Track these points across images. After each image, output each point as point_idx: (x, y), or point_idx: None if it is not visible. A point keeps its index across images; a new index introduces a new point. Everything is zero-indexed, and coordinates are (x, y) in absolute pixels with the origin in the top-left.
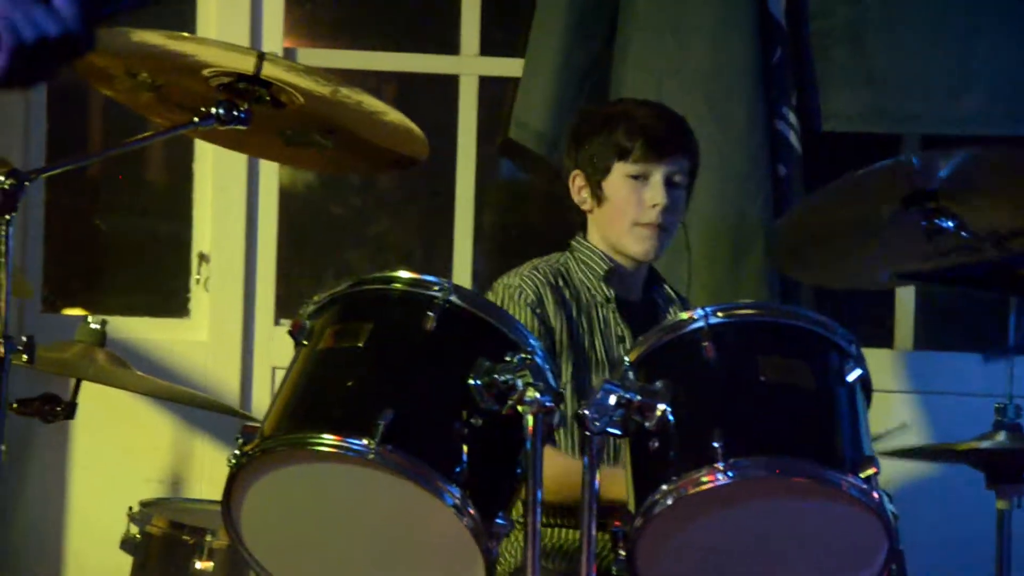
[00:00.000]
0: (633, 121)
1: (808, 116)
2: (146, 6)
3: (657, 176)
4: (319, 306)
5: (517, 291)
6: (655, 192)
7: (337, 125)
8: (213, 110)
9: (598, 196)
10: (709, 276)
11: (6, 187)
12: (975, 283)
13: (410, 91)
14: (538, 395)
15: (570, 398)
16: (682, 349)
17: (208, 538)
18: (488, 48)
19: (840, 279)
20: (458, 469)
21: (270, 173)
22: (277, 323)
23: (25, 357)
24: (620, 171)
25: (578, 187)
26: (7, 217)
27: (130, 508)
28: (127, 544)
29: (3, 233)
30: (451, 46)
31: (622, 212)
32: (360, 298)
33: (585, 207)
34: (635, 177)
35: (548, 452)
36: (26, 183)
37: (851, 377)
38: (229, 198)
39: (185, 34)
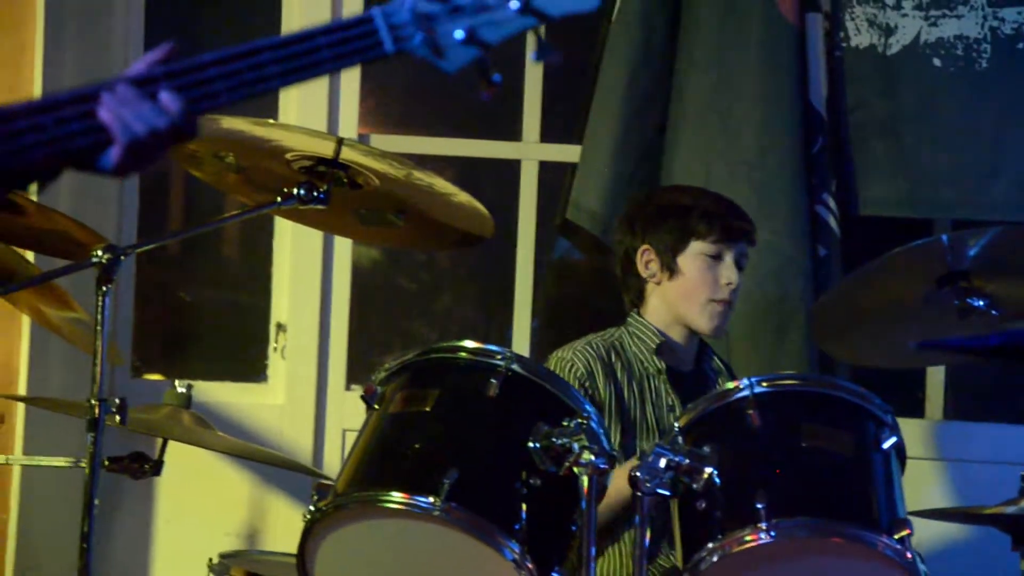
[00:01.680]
0: (710, 206)
1: (846, 201)
2: (240, 101)
3: (729, 257)
4: (390, 372)
5: (568, 364)
6: (729, 271)
7: (409, 205)
8: (295, 191)
9: (671, 270)
10: (753, 353)
11: (104, 261)
12: (996, 354)
13: (474, 175)
14: (593, 457)
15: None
16: (729, 416)
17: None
18: (548, 135)
19: (877, 357)
20: (517, 526)
21: (344, 249)
22: (348, 388)
23: (118, 418)
24: (697, 249)
25: (646, 260)
26: (103, 289)
27: (210, 560)
28: None
29: (100, 304)
30: (514, 133)
31: (697, 288)
32: (428, 366)
33: (654, 280)
34: (713, 257)
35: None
36: (121, 257)
37: (887, 444)
38: (306, 271)
39: (270, 120)
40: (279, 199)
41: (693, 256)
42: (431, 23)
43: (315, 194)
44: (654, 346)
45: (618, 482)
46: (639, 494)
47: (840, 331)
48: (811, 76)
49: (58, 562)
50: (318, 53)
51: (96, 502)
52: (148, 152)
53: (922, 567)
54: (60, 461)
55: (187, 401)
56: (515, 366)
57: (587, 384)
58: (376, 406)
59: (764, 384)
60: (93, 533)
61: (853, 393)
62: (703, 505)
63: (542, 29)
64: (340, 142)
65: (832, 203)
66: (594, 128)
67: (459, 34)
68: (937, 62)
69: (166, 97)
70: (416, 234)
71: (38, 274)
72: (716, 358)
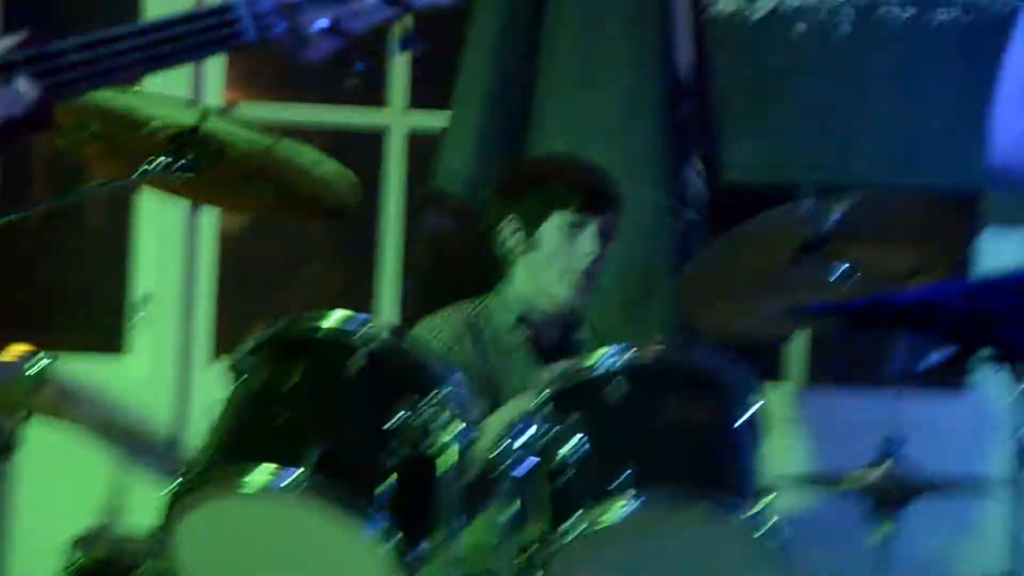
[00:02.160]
0: (574, 175)
1: (713, 167)
2: (100, 87)
3: (592, 227)
4: (256, 345)
5: (436, 331)
6: (588, 242)
7: (276, 175)
8: (159, 159)
9: (532, 240)
10: (619, 318)
11: None
12: (860, 318)
13: (344, 141)
14: (458, 428)
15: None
16: (592, 387)
17: (142, 566)
18: (417, 102)
19: (743, 326)
20: (383, 499)
21: (209, 219)
22: (214, 361)
23: None
24: (558, 219)
25: (509, 232)
26: None
27: (71, 540)
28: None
29: None
30: (381, 100)
31: (556, 257)
32: (293, 338)
33: (514, 251)
34: (574, 226)
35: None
36: None
37: (747, 413)
38: (169, 241)
39: (134, 88)
40: (146, 168)
41: (555, 227)
42: (295, 12)
43: (182, 163)
44: (516, 315)
45: (483, 468)
46: (506, 464)
47: (709, 299)
48: (677, 42)
49: None
50: (180, 41)
51: None
52: (4, 137)
53: (782, 533)
54: None
55: (45, 376)
56: (382, 335)
57: (455, 349)
58: (239, 380)
59: (627, 354)
60: None
61: (714, 363)
62: (568, 475)
63: (408, 19)
64: (205, 112)
65: (700, 166)
66: (462, 95)
67: (323, 24)
68: (801, 26)
69: (23, 84)
70: (281, 203)
71: None
72: (584, 328)
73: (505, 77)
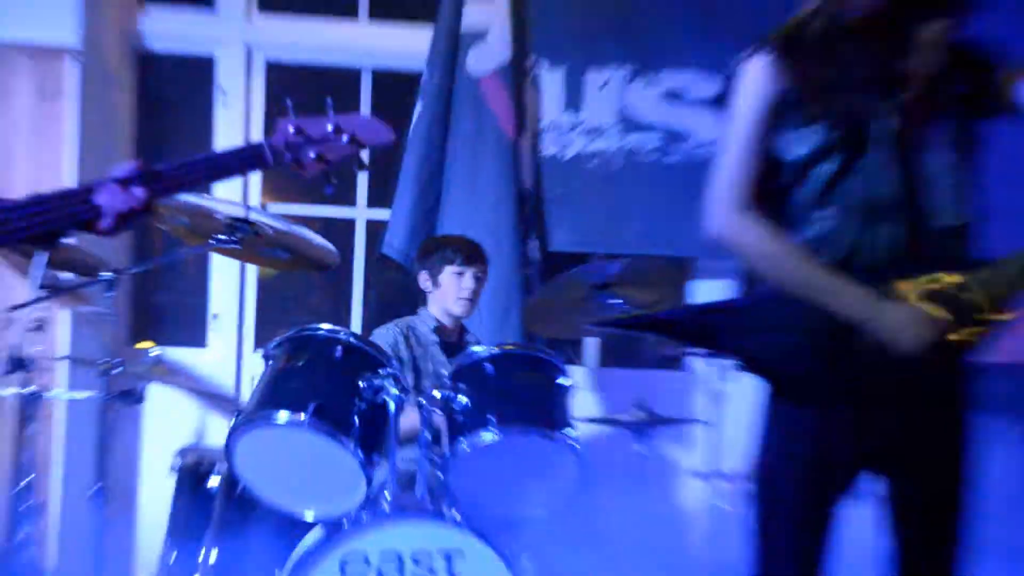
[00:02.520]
0: (458, 245)
1: (543, 241)
2: (188, 191)
3: (469, 274)
4: (278, 342)
5: (385, 336)
6: (467, 282)
7: (290, 246)
8: (222, 236)
9: (436, 282)
10: (491, 328)
11: (112, 277)
12: (637, 327)
13: (327, 225)
14: (396, 392)
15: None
16: (475, 366)
17: (219, 468)
18: (373, 202)
19: (563, 332)
20: (352, 431)
21: (252, 269)
22: (254, 351)
23: (121, 369)
24: (449, 270)
25: (424, 279)
26: (109, 293)
27: (178, 453)
28: (173, 470)
29: (108, 301)
30: (351, 200)
31: (450, 291)
32: (300, 338)
33: (428, 289)
34: (457, 274)
35: (407, 413)
36: (121, 276)
37: (562, 381)
38: (229, 282)
39: (204, 195)
40: (212, 241)
41: (448, 275)
42: (296, 148)
43: (233, 239)
44: (431, 327)
45: (411, 415)
46: (423, 412)
47: (542, 317)
48: (523, 168)
49: (84, 462)
50: (231, 163)
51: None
52: (128, 219)
53: (580, 449)
54: (85, 394)
55: (160, 359)
56: (351, 339)
57: (396, 347)
58: (270, 362)
59: (496, 348)
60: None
61: (545, 353)
62: (459, 419)
63: (364, 151)
64: (248, 210)
65: (535, 242)
66: (398, 198)
67: (311, 155)
68: (593, 162)
69: (138, 189)
70: (294, 262)
71: (72, 284)
72: (470, 333)
73: (423, 188)
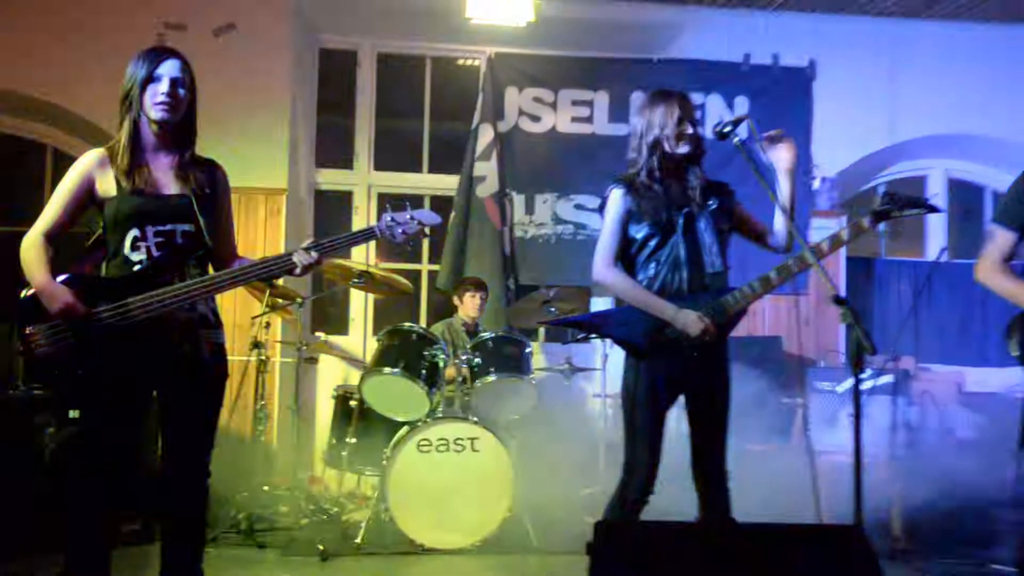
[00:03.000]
0: (472, 281)
1: (517, 281)
2: (339, 254)
3: (478, 296)
4: (381, 334)
5: (437, 328)
6: (477, 300)
7: (388, 283)
8: (356, 279)
9: (461, 301)
10: (491, 324)
11: (300, 303)
12: (568, 325)
13: (407, 274)
14: (442, 357)
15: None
16: (482, 343)
17: (355, 397)
18: (431, 258)
19: (528, 326)
20: (421, 376)
21: (371, 296)
22: (371, 338)
23: (307, 346)
24: (467, 295)
25: (456, 300)
26: (300, 301)
27: (335, 388)
28: (333, 397)
29: (299, 308)
30: (418, 257)
31: (468, 306)
32: (395, 332)
33: (457, 305)
34: (471, 296)
35: (449, 367)
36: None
37: (527, 351)
38: (357, 300)
39: (342, 259)
40: (348, 282)
41: (467, 297)
42: (391, 228)
43: (357, 281)
44: (461, 324)
45: (450, 368)
46: (457, 367)
47: (515, 318)
48: (505, 243)
49: (287, 394)
50: (359, 238)
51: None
52: (307, 271)
53: (536, 385)
54: (288, 360)
55: (326, 341)
56: (419, 330)
57: (443, 334)
58: (379, 342)
59: (492, 333)
60: (300, 380)
61: (518, 336)
62: (475, 370)
63: (427, 229)
64: (364, 272)
65: (512, 280)
66: (443, 257)
67: (400, 233)
68: (539, 241)
69: (315, 253)
70: (390, 291)
71: (296, 299)
72: (480, 326)
73: (455, 252)
